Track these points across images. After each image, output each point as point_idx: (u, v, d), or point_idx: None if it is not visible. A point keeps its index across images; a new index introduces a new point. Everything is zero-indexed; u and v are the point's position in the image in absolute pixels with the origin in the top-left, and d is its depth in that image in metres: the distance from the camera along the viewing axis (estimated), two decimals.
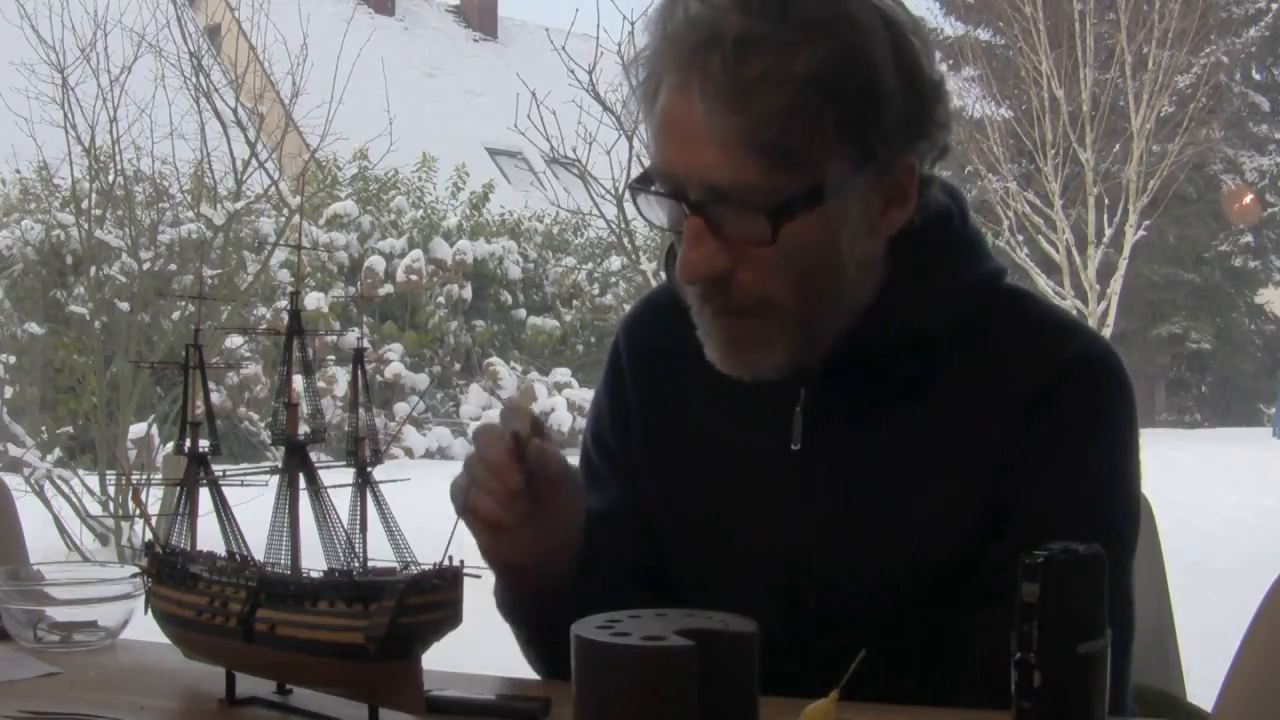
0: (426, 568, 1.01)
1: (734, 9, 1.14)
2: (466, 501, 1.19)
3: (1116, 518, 1.23)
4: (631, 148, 7.69)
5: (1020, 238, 18.48)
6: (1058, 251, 17.95)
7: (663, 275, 1.36)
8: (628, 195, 1.19)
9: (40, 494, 7.13)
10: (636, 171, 1.28)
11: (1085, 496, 1.22)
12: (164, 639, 1.23)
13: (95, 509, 7.31)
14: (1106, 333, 18.60)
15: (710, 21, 1.14)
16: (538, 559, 1.25)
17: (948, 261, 1.27)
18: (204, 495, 1.17)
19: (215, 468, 1.19)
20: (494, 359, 13.79)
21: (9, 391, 9.47)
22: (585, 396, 12.41)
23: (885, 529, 1.25)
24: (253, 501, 1.17)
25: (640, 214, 1.24)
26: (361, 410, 1.07)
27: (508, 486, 1.18)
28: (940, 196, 1.28)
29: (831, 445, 1.27)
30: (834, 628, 1.24)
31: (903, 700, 1.16)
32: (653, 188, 1.21)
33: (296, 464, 1.09)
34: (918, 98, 1.18)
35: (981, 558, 1.21)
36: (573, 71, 7.53)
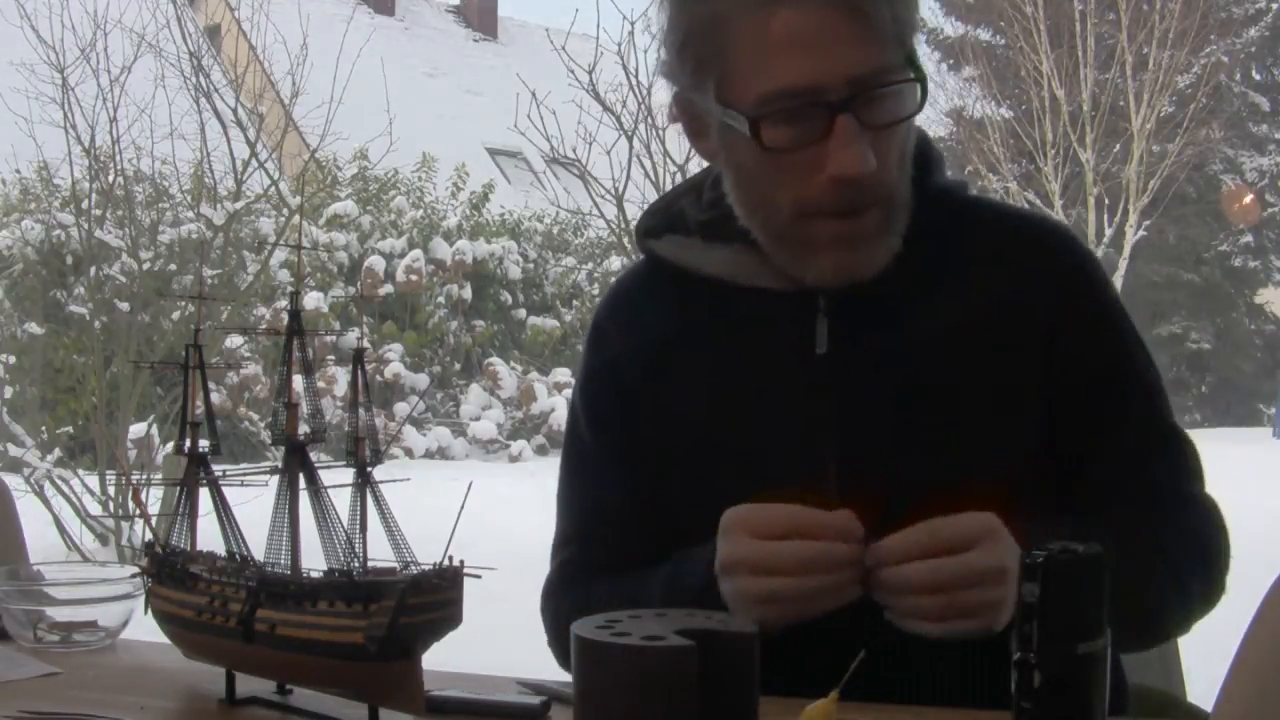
0: (426, 568, 1.01)
1: None
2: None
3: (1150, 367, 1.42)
4: (631, 147, 7.69)
5: None
6: None
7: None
8: (750, 130, 1.19)
9: (40, 494, 7.12)
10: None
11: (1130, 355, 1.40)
12: (164, 639, 1.23)
13: (95, 509, 7.30)
14: None
15: None
16: None
17: (924, 168, 1.32)
18: (204, 495, 1.17)
19: (215, 468, 1.19)
20: (494, 359, 13.78)
21: (9, 391, 9.45)
22: None
23: (937, 423, 1.26)
24: (253, 501, 1.17)
25: (762, 146, 1.21)
26: (361, 410, 1.07)
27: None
28: None
29: (859, 347, 1.29)
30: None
31: None
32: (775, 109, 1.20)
33: (296, 464, 1.09)
34: None
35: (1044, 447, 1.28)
36: (573, 71, 7.52)
